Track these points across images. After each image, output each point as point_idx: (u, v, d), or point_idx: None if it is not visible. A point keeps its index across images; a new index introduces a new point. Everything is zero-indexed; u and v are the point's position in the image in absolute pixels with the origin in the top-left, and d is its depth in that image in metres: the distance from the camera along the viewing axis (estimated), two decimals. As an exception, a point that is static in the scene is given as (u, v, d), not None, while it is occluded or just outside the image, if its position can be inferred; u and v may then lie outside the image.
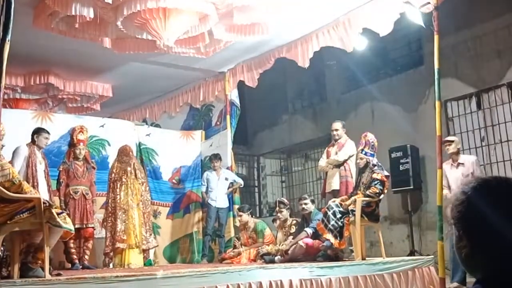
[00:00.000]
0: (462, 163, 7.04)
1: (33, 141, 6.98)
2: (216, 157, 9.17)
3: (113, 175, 7.76)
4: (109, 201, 7.70)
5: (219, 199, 9.05)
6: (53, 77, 9.30)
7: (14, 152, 6.74)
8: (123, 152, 7.93)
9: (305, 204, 7.47)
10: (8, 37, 4.11)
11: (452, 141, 7.18)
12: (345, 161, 7.91)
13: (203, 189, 9.21)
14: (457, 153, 7.16)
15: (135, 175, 7.75)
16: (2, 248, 5.06)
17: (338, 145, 8.08)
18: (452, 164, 7.10)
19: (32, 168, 6.75)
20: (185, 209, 9.73)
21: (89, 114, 10.15)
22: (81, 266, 7.30)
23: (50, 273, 5.05)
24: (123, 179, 7.67)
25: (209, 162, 9.21)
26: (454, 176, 6.89)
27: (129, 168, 7.74)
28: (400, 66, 10.76)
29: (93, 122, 8.90)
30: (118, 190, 7.63)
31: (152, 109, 11.12)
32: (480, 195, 1.28)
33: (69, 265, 7.40)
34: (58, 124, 8.50)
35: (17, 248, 4.97)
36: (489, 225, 1.22)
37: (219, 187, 9.09)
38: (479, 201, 1.26)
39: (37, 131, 7.08)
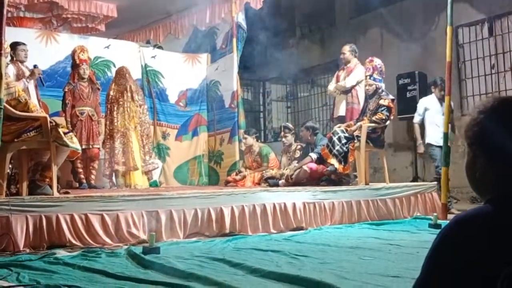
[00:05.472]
0: None
1: (11, 58, 6.74)
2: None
3: (110, 97, 7.70)
4: (107, 123, 7.68)
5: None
6: (57, -5, 9.08)
7: None
8: (120, 74, 7.83)
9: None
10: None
11: None
12: (352, 87, 7.74)
13: (418, 120, 7.75)
14: None
15: (132, 97, 7.67)
16: (10, 166, 5.10)
17: (347, 70, 7.91)
18: None
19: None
20: (194, 132, 9.72)
21: (94, 35, 9.99)
22: (87, 186, 7.42)
23: (58, 191, 5.13)
24: (120, 102, 7.60)
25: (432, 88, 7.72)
26: None
27: (125, 91, 7.66)
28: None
29: (98, 43, 8.80)
30: (115, 112, 7.57)
31: (156, 31, 10.88)
32: (497, 115, 1.26)
33: (77, 185, 7.52)
34: (63, 44, 8.38)
35: (25, 166, 5.02)
36: (505, 145, 1.21)
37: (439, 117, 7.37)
38: (495, 121, 1.25)
39: (13, 46, 6.69)
